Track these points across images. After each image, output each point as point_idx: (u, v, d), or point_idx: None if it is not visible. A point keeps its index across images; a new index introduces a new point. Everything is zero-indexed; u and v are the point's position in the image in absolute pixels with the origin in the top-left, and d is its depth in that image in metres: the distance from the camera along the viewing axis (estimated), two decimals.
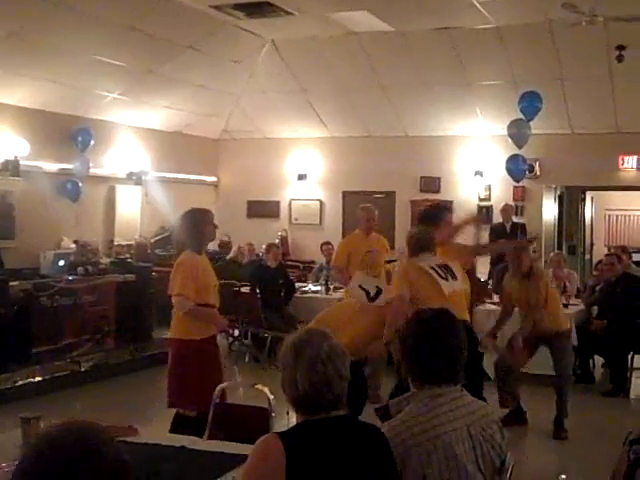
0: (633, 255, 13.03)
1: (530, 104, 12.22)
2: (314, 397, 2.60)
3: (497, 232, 12.97)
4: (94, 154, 13.00)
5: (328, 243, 12.62)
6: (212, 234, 6.04)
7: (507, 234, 12.89)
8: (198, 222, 5.87)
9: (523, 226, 13.49)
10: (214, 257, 14.14)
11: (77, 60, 11.47)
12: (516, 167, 13.00)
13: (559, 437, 7.43)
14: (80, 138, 12.63)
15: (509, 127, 12.63)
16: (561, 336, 7.72)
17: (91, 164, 12.86)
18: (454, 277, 6.27)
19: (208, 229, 5.91)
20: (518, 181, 13.57)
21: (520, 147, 12.81)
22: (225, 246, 14.14)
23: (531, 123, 12.58)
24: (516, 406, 7.69)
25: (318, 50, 13.20)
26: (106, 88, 12.67)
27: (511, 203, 14.06)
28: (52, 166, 12.45)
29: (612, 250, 11.42)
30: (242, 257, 13.07)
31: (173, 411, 5.80)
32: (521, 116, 12.45)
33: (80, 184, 12.69)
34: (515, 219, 13.78)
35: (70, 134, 12.61)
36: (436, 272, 6.22)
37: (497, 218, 13.97)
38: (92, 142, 12.74)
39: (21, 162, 11.72)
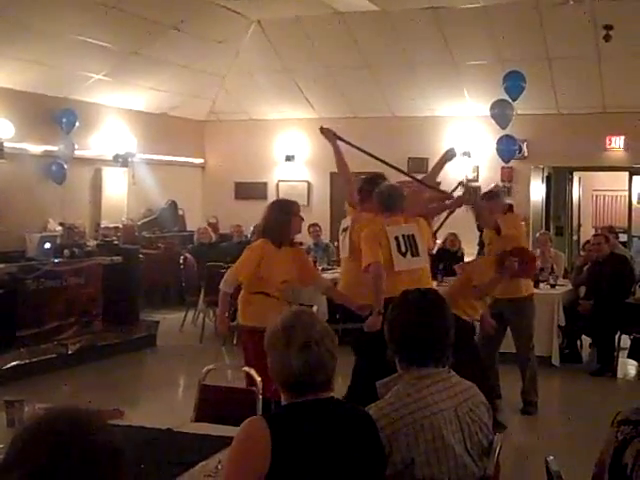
0: (620, 235, 13.08)
1: (514, 84, 12.17)
2: (308, 378, 2.58)
3: None
4: (79, 136, 12.91)
5: (315, 225, 12.59)
6: (298, 226, 5.96)
7: None
8: (285, 213, 5.80)
9: (511, 206, 13.37)
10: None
11: (60, 41, 11.35)
12: (507, 148, 12.97)
13: (527, 412, 7.45)
14: (64, 120, 12.52)
15: (492, 108, 12.58)
16: (520, 303, 7.42)
17: (76, 146, 12.76)
18: (415, 253, 6.07)
19: (295, 220, 5.83)
20: (507, 162, 13.55)
21: (504, 128, 12.77)
22: (213, 228, 14.08)
23: (518, 104, 12.55)
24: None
25: (304, 30, 13.12)
26: (90, 69, 12.54)
27: (500, 184, 14.02)
28: (37, 148, 12.35)
29: (599, 231, 11.44)
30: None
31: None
32: (503, 96, 12.41)
33: (65, 166, 12.61)
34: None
35: (54, 116, 12.50)
36: (397, 244, 6.03)
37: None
38: (77, 124, 12.64)
39: (5, 144, 11.62)
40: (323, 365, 2.60)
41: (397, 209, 6.18)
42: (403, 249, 6.03)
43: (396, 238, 6.03)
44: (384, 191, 6.27)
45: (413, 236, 6.08)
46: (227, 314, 5.95)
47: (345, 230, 6.54)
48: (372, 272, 5.86)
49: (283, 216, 5.79)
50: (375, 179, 6.61)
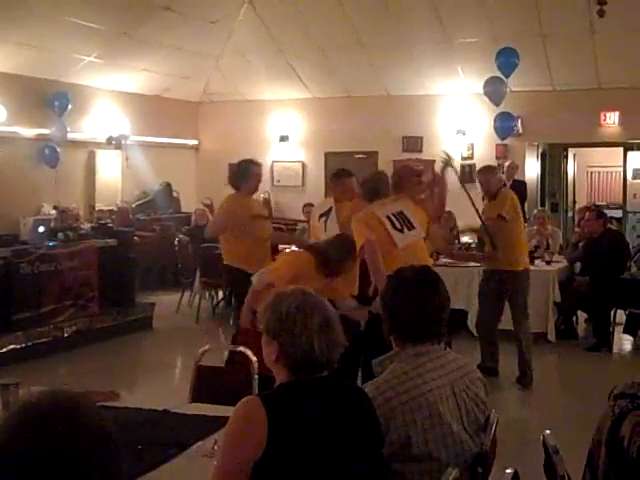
0: (614, 211, 13.05)
1: (507, 60, 12.10)
2: (326, 358, 2.57)
3: None
4: (72, 119, 12.84)
5: (310, 205, 12.54)
6: (344, 271, 5.76)
7: None
8: (347, 257, 5.64)
9: (524, 184, 13.13)
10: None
11: (51, 23, 11.26)
12: (503, 125, 12.90)
13: (520, 383, 7.45)
14: (57, 103, 12.45)
15: (485, 85, 12.51)
16: (516, 276, 7.54)
17: (69, 129, 12.70)
18: (410, 226, 6.06)
19: (347, 265, 5.67)
20: (504, 139, 13.47)
21: (497, 105, 12.72)
22: (208, 209, 14.03)
23: (512, 80, 12.48)
24: (494, 365, 7.70)
25: (297, 9, 13.03)
26: (82, 51, 12.45)
27: (496, 161, 13.88)
28: (29, 132, 12.30)
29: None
30: None
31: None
32: (497, 74, 12.34)
33: (58, 149, 12.55)
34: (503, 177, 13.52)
35: (46, 99, 12.43)
36: (390, 222, 6.02)
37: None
38: (69, 107, 12.57)
39: None
40: (340, 343, 2.61)
41: (382, 194, 6.26)
42: (398, 225, 6.02)
43: (388, 217, 6.03)
44: (367, 182, 6.39)
45: (402, 212, 6.09)
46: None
47: (324, 215, 6.58)
48: (367, 250, 5.83)
49: (344, 260, 5.61)
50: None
